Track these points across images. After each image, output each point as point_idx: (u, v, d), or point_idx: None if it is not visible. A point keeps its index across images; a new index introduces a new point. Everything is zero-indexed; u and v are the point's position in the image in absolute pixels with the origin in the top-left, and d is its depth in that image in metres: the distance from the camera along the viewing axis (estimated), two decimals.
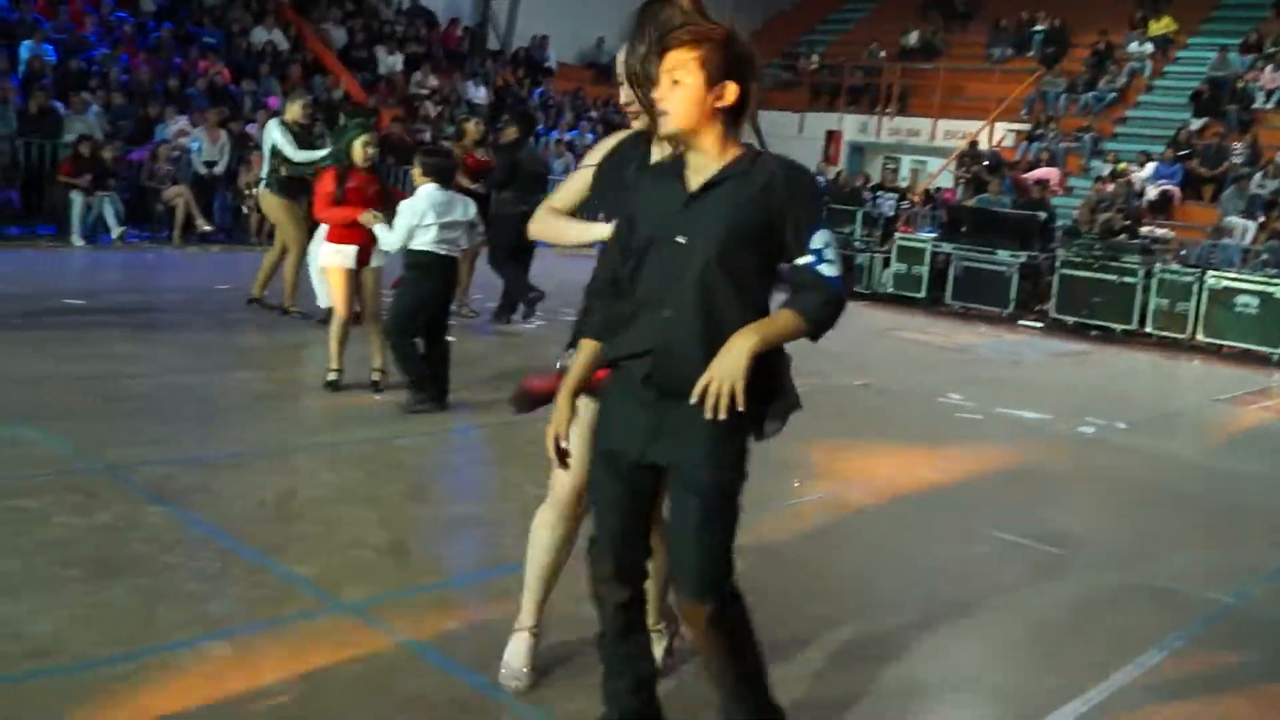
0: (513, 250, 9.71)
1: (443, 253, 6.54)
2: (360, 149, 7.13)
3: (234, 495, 4.83)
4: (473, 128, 10.44)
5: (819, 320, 2.78)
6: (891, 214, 16.73)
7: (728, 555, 2.84)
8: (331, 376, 6.95)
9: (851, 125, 24.89)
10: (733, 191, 2.69)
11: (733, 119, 2.73)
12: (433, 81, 20.92)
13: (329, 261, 7.04)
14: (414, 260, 6.54)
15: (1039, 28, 24.30)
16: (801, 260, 2.71)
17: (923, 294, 14.68)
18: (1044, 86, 22.53)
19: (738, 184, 2.69)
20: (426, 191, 6.51)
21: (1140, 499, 6.42)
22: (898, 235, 15.46)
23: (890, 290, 15.02)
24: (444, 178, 6.63)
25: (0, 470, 4.83)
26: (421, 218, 6.43)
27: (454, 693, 3.30)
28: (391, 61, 20.98)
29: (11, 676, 3.13)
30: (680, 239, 2.68)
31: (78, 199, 13.33)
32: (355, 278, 6.97)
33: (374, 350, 7.11)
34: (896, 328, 12.62)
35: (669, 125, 2.71)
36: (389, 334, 6.69)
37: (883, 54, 25.44)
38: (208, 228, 14.42)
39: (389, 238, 6.55)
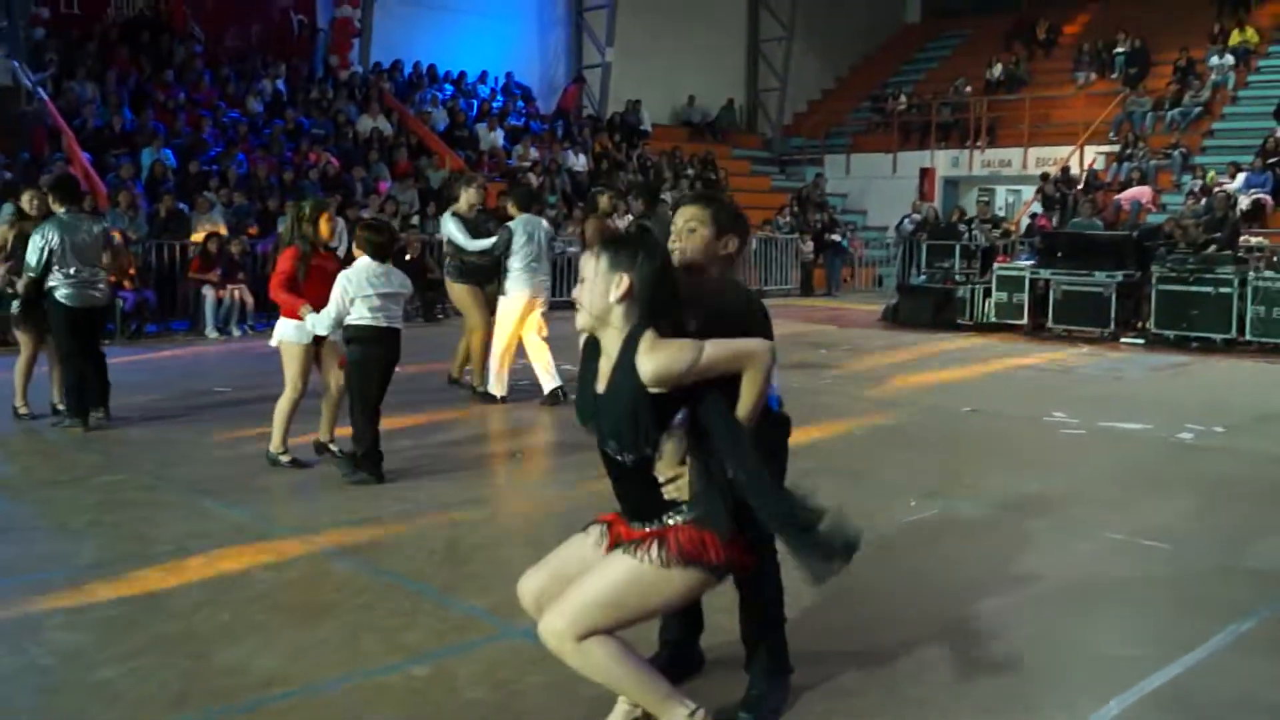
0: None
1: (382, 324, 6.54)
2: (325, 225, 7.13)
3: (408, 546, 5.40)
4: (605, 201, 10.80)
5: None
6: (988, 245, 17.01)
7: None
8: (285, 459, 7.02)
9: (943, 161, 25.23)
10: None
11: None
12: (533, 153, 21.74)
13: (288, 337, 7.06)
14: (354, 334, 6.53)
15: (1120, 49, 24.48)
16: None
17: (1024, 320, 14.90)
18: (1130, 107, 22.67)
19: None
20: (362, 265, 6.53)
21: (1236, 494, 6.70)
22: (996, 265, 15.72)
23: (993, 319, 15.27)
24: (381, 252, 6.59)
25: (205, 540, 5.46)
26: (359, 290, 6.43)
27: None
28: (492, 137, 21.86)
29: (244, 706, 3.68)
30: None
31: (209, 293, 14.23)
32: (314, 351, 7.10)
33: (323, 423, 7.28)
34: (1000, 355, 12.89)
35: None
36: (357, 409, 6.59)
37: (969, 89, 25.78)
38: None
39: (321, 319, 6.61)
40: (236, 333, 14.29)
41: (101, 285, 8.21)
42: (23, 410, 8.38)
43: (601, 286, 3.21)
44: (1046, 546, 5.64)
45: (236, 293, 14.43)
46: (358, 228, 7.00)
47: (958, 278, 16.19)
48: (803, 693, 3.82)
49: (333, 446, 7.16)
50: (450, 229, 9.61)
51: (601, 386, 3.26)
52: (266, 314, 15.03)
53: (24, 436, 7.95)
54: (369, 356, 6.54)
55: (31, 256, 7.82)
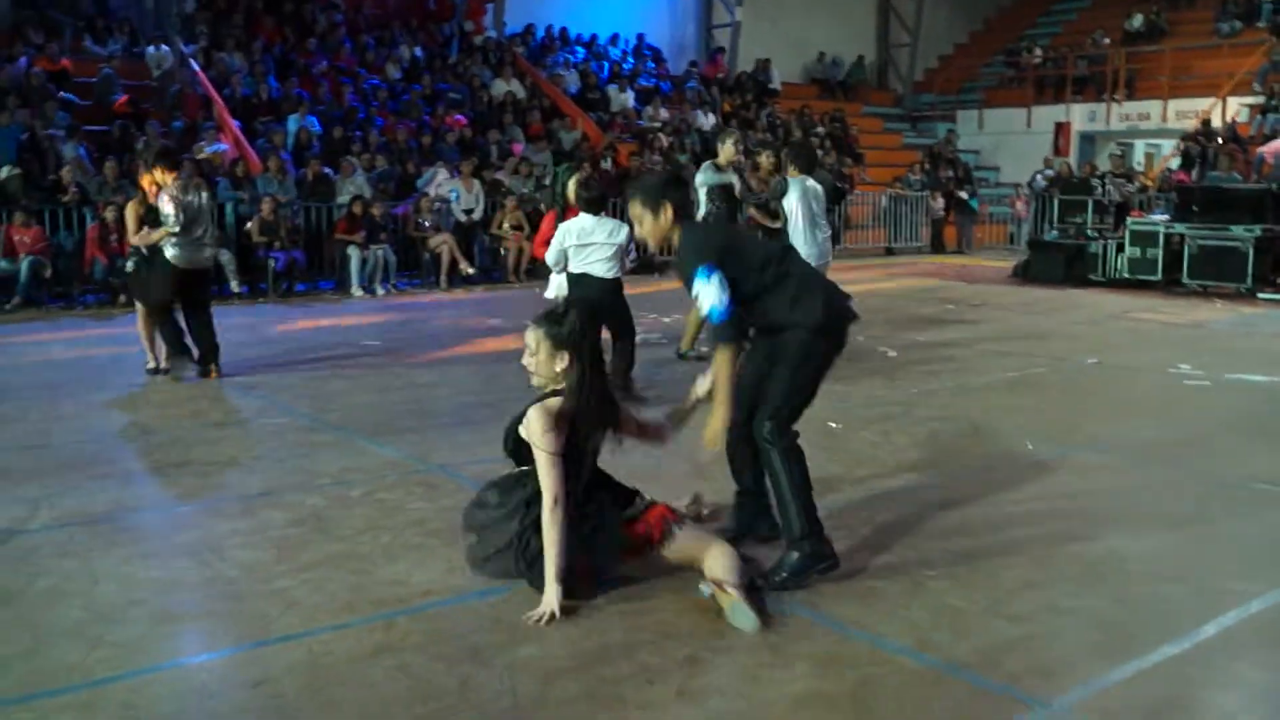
0: None
1: (595, 273, 7.54)
2: (574, 188, 8.02)
3: None
4: (765, 160, 10.51)
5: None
6: (1121, 200, 16.79)
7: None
8: None
9: (1080, 115, 24.79)
10: None
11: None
12: (663, 114, 22.01)
13: (562, 293, 7.85)
14: (573, 281, 7.60)
15: None
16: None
17: (1158, 276, 14.73)
18: (1275, 57, 21.98)
19: None
20: (578, 220, 7.54)
21: None
22: (1130, 220, 15.54)
23: (1125, 275, 15.12)
24: (594, 207, 7.60)
25: (362, 474, 5.95)
26: (575, 241, 7.50)
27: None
28: (623, 99, 22.18)
29: (405, 610, 4.10)
30: None
31: (354, 254, 14.87)
32: None
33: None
34: (1131, 310, 12.83)
35: None
36: None
37: (1106, 40, 25.22)
38: (470, 270, 15.79)
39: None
40: (380, 291, 14.90)
41: (209, 250, 8.73)
42: (151, 365, 8.79)
43: (547, 362, 4.19)
44: (1159, 488, 5.81)
45: (380, 253, 15.04)
46: (576, 185, 7.95)
47: (1090, 233, 16.04)
48: (897, 597, 4.12)
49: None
50: (701, 178, 9.38)
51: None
52: (408, 272, 15.71)
53: (189, 387, 8.53)
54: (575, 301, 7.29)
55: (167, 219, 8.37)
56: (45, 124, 15.36)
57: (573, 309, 4.26)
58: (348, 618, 4.03)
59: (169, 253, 8.41)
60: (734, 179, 9.47)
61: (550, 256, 7.61)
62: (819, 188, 9.10)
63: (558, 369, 4.17)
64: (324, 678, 3.56)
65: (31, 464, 6.18)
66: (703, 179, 9.38)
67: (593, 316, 6.58)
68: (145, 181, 8.74)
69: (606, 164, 18.34)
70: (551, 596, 4.01)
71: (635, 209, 4.50)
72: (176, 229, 8.34)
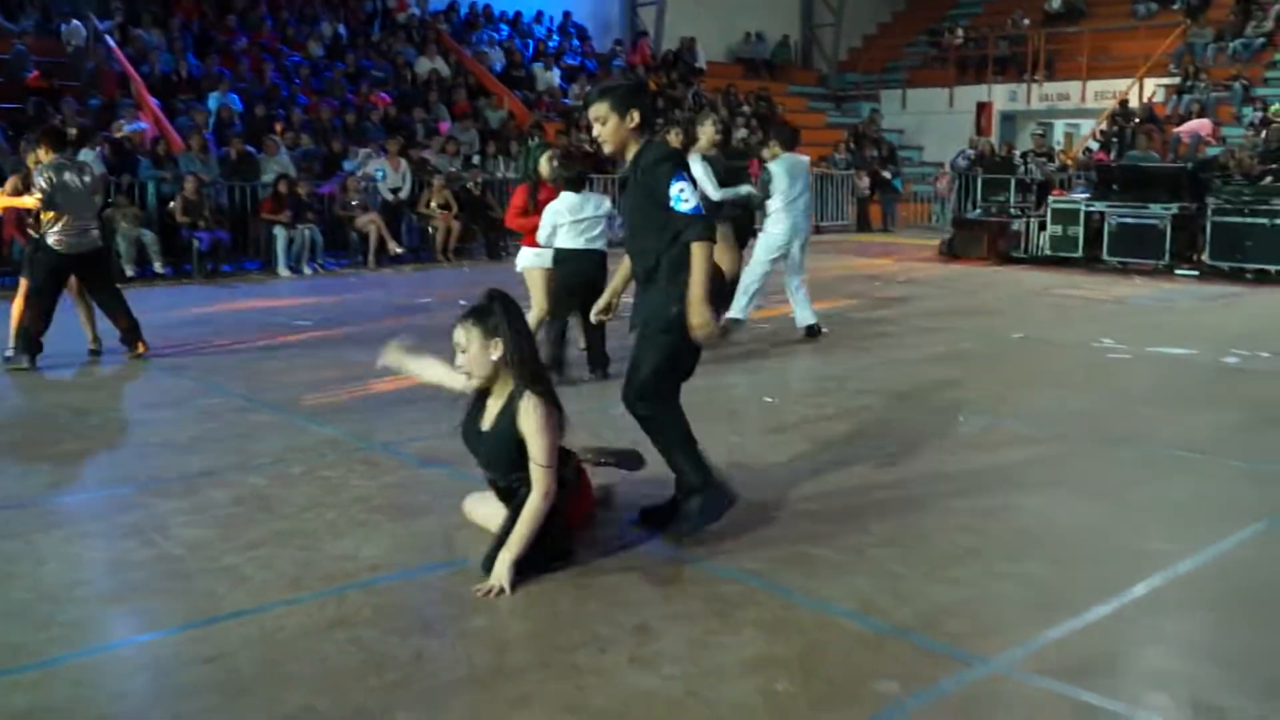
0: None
1: (581, 246, 7.63)
2: (546, 164, 8.15)
3: None
4: (673, 137, 9.99)
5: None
6: (1043, 179, 17.10)
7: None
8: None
9: (1001, 95, 25.14)
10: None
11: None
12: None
13: (530, 264, 8.01)
14: (560, 256, 7.66)
15: None
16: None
17: (1079, 253, 15.03)
18: (1191, 38, 22.49)
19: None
20: (563, 198, 7.66)
21: (1275, 416, 6.93)
22: (1051, 198, 15.83)
23: (1048, 252, 15.42)
24: (575, 185, 7.70)
25: (304, 452, 5.94)
26: (561, 219, 7.60)
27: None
28: (548, 77, 22.12)
29: (355, 585, 4.12)
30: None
31: (281, 233, 14.70)
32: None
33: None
34: (1054, 287, 13.10)
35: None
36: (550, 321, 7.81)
37: (1026, 21, 25.60)
38: (399, 249, 15.68)
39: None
40: (307, 271, 14.77)
41: (94, 232, 8.48)
42: (93, 346, 8.68)
43: (481, 355, 4.18)
44: (1086, 455, 6.01)
45: (306, 232, 14.89)
46: (550, 163, 8.14)
47: (1013, 211, 16.33)
48: (839, 564, 4.21)
49: None
50: (699, 174, 8.76)
51: (487, 425, 4.25)
52: (335, 252, 15.57)
53: (119, 368, 8.41)
54: (571, 274, 7.59)
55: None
56: None
57: (494, 297, 4.28)
58: (297, 593, 4.04)
59: (52, 239, 8.16)
60: (718, 163, 9.29)
61: (542, 236, 7.64)
62: (804, 160, 9.54)
63: (493, 358, 4.20)
64: (277, 652, 3.58)
65: None
66: (699, 170, 8.86)
67: (572, 292, 6.74)
68: (30, 160, 8.59)
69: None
70: (504, 573, 4.04)
71: (601, 109, 4.51)
72: (35, 205, 8.19)
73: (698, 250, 4.37)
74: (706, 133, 9.38)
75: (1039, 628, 3.79)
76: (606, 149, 4.64)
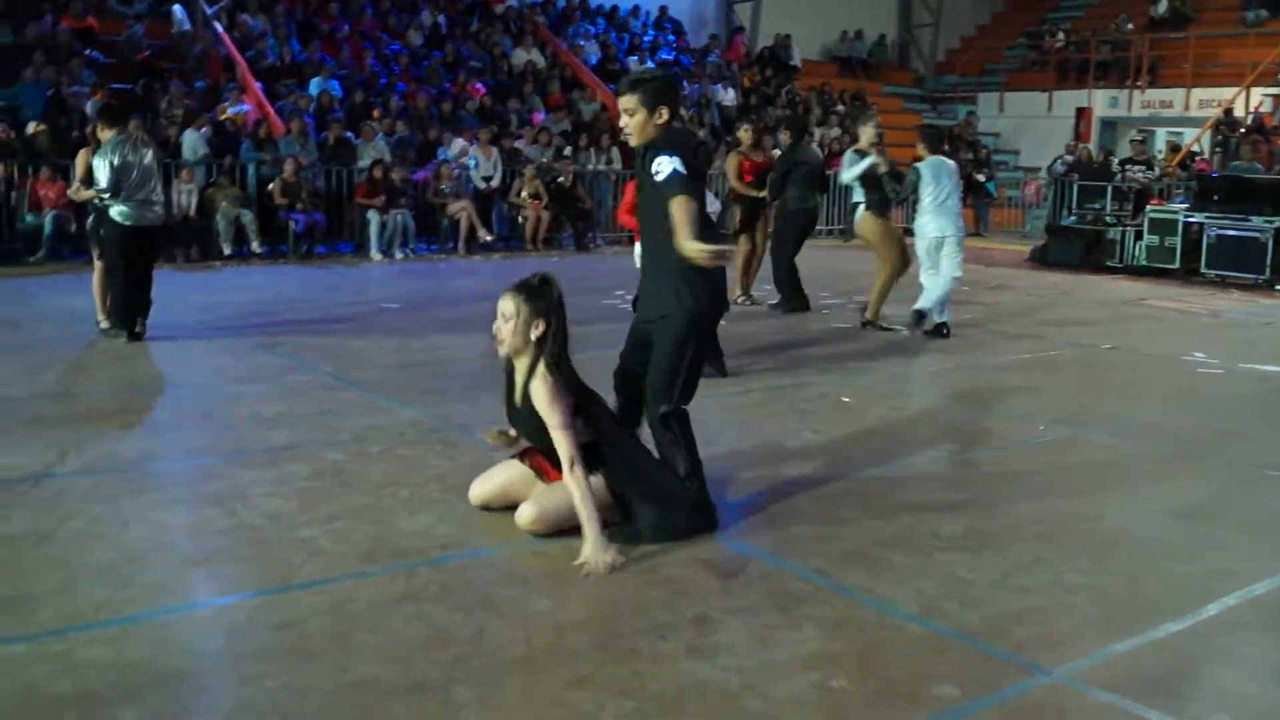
0: (799, 243, 10.66)
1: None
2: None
3: None
4: (746, 134, 11.11)
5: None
6: (1141, 187, 16.77)
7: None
8: None
9: (1101, 101, 24.69)
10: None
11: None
12: (683, 87, 21.99)
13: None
14: None
15: None
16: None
17: (1176, 265, 14.72)
18: None
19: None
20: None
21: None
22: (1149, 208, 15.52)
23: (1143, 263, 15.12)
24: None
25: (384, 431, 6.08)
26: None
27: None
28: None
29: (424, 562, 4.22)
30: None
31: (374, 218, 14.96)
32: None
33: None
34: (1148, 297, 12.86)
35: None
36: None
37: (1130, 26, 25.10)
38: (489, 237, 15.87)
39: None
40: (399, 255, 14.99)
41: (158, 207, 8.59)
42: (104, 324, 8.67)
43: (523, 329, 4.32)
44: (1169, 469, 5.91)
45: (399, 217, 15.12)
46: None
47: (1109, 220, 16.04)
48: (906, 566, 4.20)
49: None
50: (845, 161, 9.99)
51: (518, 399, 4.43)
52: (427, 238, 15.80)
53: (215, 343, 8.64)
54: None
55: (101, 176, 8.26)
56: (71, 81, 15.45)
57: (549, 281, 4.40)
58: (369, 567, 4.14)
59: (114, 212, 8.30)
60: (880, 160, 9.75)
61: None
62: (952, 165, 9.71)
63: (533, 336, 4.32)
64: (346, 622, 3.67)
65: (60, 412, 6.31)
66: (853, 170, 9.76)
67: None
68: (100, 133, 8.64)
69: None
70: (593, 552, 4.14)
71: (631, 101, 4.53)
72: (105, 194, 8.24)
73: (676, 203, 4.37)
74: (867, 133, 9.99)
75: (1106, 640, 3.75)
76: (632, 141, 4.63)
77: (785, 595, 4.05)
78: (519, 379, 4.42)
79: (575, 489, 4.20)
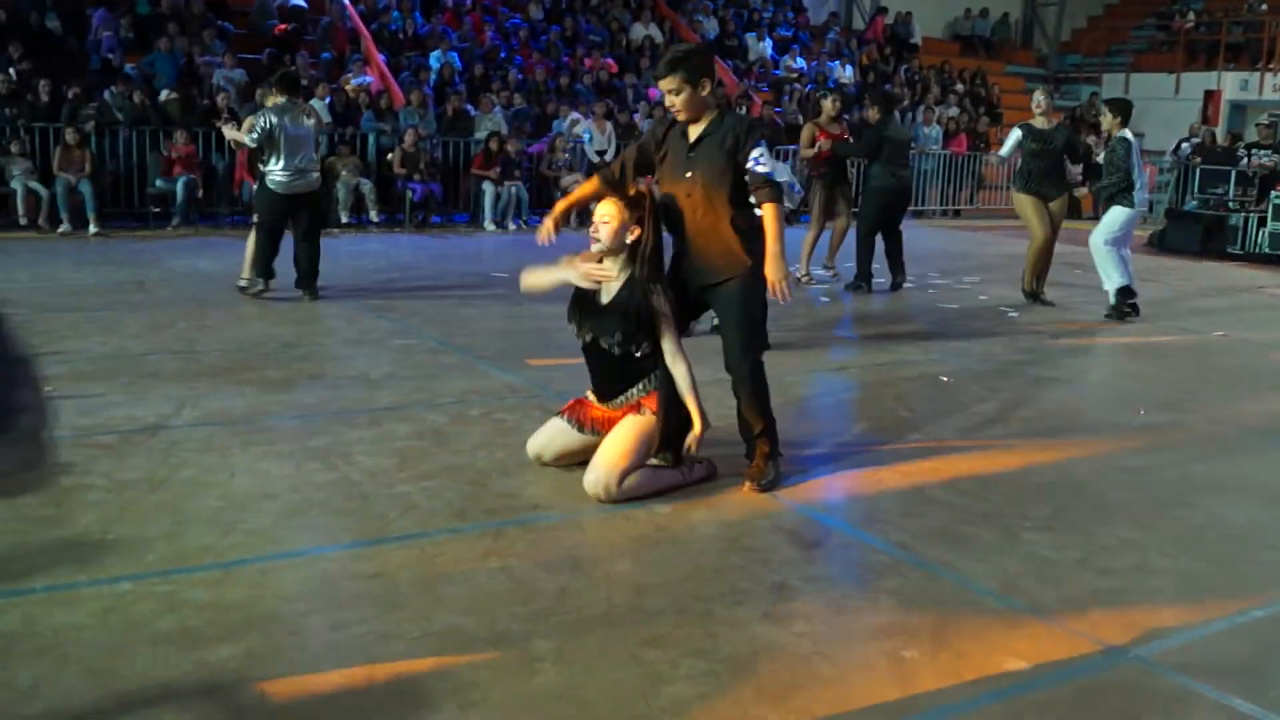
0: (878, 221, 10.61)
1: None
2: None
3: None
4: (828, 104, 11.19)
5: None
6: (1266, 172, 16.26)
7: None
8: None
9: (1231, 84, 23.92)
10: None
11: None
12: (799, 64, 21.88)
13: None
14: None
15: None
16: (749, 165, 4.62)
17: None
18: None
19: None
20: None
21: None
22: (1274, 193, 15.06)
23: (1266, 250, 14.70)
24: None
25: (484, 395, 6.27)
26: None
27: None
28: (760, 47, 22.09)
29: (514, 521, 4.36)
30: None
31: (489, 189, 15.20)
32: None
33: None
34: (1268, 286, 12.52)
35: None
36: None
37: (1264, 6, 24.25)
38: None
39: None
40: (512, 226, 15.23)
41: (312, 175, 9.03)
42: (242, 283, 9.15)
43: (619, 231, 4.59)
44: (1269, 459, 5.79)
45: (513, 189, 15.34)
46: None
47: (1231, 205, 15.60)
48: (990, 544, 4.21)
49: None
50: (1014, 136, 10.46)
51: (607, 299, 4.64)
52: (540, 210, 15.97)
53: (327, 306, 8.92)
54: None
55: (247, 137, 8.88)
56: (202, 50, 15.96)
57: (648, 195, 4.73)
58: (460, 524, 4.30)
59: (271, 179, 8.83)
60: (1056, 135, 10.26)
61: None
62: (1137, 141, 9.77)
63: (629, 240, 4.64)
64: (434, 575, 3.83)
65: (178, 368, 6.60)
66: (1018, 140, 10.34)
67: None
68: (268, 101, 9.19)
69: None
70: (701, 425, 4.67)
71: (673, 82, 4.64)
72: (250, 144, 8.85)
73: (773, 210, 4.64)
74: (1042, 105, 10.33)
75: (1186, 624, 3.74)
76: (681, 116, 4.75)
77: (865, 567, 4.11)
78: (611, 284, 4.68)
79: (686, 389, 4.64)
